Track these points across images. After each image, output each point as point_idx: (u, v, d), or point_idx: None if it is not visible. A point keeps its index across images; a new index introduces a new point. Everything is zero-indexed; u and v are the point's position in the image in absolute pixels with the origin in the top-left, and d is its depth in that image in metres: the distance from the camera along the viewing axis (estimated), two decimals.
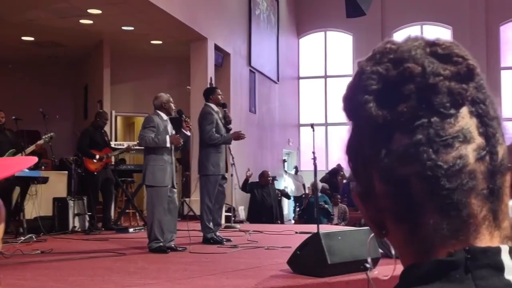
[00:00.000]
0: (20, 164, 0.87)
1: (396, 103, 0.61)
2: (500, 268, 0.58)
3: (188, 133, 6.78)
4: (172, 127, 6.74)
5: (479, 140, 0.60)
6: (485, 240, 0.60)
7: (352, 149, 0.67)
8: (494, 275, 0.58)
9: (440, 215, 0.60)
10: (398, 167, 0.61)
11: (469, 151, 0.60)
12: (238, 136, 7.33)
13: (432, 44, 0.64)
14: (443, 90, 0.61)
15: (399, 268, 0.67)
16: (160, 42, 12.58)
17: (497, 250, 0.59)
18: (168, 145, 6.34)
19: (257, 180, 12.75)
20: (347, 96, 0.67)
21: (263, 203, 11.67)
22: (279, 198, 13.14)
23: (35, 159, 0.89)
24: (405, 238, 0.63)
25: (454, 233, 0.60)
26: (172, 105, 6.70)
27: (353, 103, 0.65)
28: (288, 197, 14.05)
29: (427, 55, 0.63)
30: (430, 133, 0.60)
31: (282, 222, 12.66)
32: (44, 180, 8.40)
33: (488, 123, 0.61)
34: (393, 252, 0.68)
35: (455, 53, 0.63)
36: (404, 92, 0.61)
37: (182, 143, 6.51)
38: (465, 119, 0.61)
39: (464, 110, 0.61)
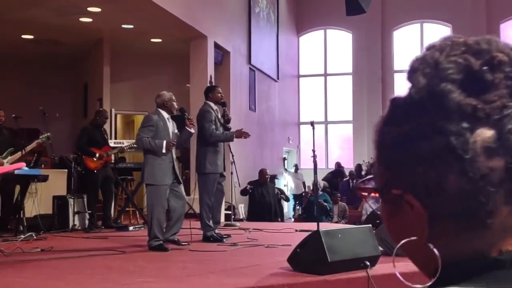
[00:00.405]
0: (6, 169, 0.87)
1: (484, 91, 0.59)
2: None
3: (192, 131, 6.77)
4: (175, 126, 6.72)
5: None
6: None
7: (413, 145, 0.62)
8: None
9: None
10: (485, 159, 0.58)
11: None
12: (241, 134, 7.31)
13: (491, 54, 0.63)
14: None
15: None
16: (159, 40, 12.58)
17: None
18: (164, 151, 6.29)
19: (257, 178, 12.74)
20: (426, 86, 0.63)
21: (263, 201, 11.66)
22: (280, 197, 13.11)
23: (22, 165, 0.89)
24: (456, 237, 0.60)
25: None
26: (174, 103, 6.68)
27: (434, 93, 0.61)
28: (287, 199, 14.00)
29: (506, 47, 0.63)
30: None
31: (283, 220, 12.65)
32: (44, 178, 8.40)
33: None
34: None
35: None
36: (493, 81, 0.60)
37: (174, 145, 6.45)
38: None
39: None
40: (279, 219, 11.77)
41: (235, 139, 7.52)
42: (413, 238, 0.64)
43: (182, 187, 6.63)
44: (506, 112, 0.58)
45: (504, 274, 0.57)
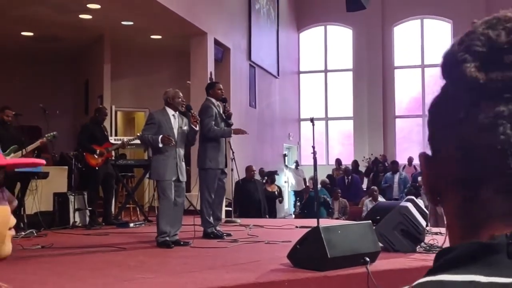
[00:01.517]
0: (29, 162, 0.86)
1: (494, 69, 0.59)
2: None
3: (196, 128, 6.77)
4: (186, 122, 6.71)
5: None
6: None
7: (437, 108, 0.65)
8: None
9: (498, 193, 0.59)
10: (476, 134, 0.59)
11: None
12: (239, 131, 7.39)
13: None
14: None
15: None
16: (160, 37, 12.58)
17: None
18: (160, 145, 6.33)
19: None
20: (448, 52, 0.64)
21: (250, 198, 11.61)
22: (275, 196, 13.10)
23: (42, 162, 0.90)
24: (459, 208, 0.62)
25: (506, 216, 0.58)
26: (179, 100, 6.67)
27: (452, 60, 0.63)
28: (280, 201, 13.90)
29: None
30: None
31: (274, 217, 12.58)
32: (45, 175, 8.41)
33: None
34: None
35: None
36: (506, 61, 0.59)
37: (174, 142, 6.46)
38: None
39: None
40: (267, 216, 11.70)
41: (235, 136, 7.55)
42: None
43: (183, 186, 6.63)
44: (506, 95, 0.58)
45: (496, 259, 0.57)
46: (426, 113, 0.68)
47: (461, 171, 0.61)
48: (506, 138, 0.57)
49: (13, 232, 0.84)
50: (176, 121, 6.59)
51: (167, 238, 6.25)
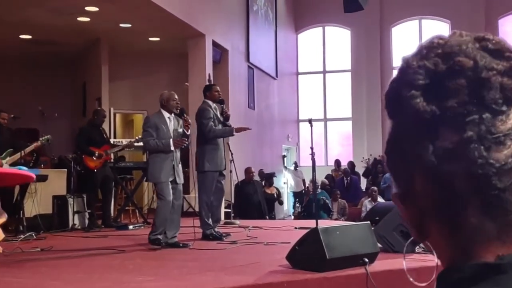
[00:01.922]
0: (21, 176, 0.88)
1: (446, 98, 0.59)
2: None
3: (188, 132, 6.78)
4: (181, 123, 6.72)
5: None
6: None
7: (394, 147, 0.64)
8: None
9: (485, 215, 0.58)
10: (444, 164, 0.58)
11: None
12: (241, 129, 7.47)
13: (482, 39, 0.62)
14: (496, 85, 0.58)
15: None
16: (158, 39, 12.57)
17: None
18: (172, 148, 6.36)
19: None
20: (390, 92, 0.64)
21: (250, 199, 11.61)
22: (275, 198, 13.09)
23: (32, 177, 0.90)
24: (446, 240, 0.61)
25: (497, 235, 0.58)
26: (173, 102, 6.66)
27: (398, 98, 0.62)
28: (280, 203, 13.91)
29: (478, 49, 0.60)
30: (481, 129, 0.57)
31: (272, 219, 12.57)
32: (44, 178, 8.40)
33: None
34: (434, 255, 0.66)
35: (507, 48, 0.61)
36: (454, 87, 0.59)
37: (186, 143, 6.51)
38: None
39: None
40: (267, 217, 11.70)
41: (233, 137, 7.56)
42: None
43: (180, 189, 6.63)
44: (469, 119, 0.58)
45: (505, 279, 0.56)
46: None
47: (438, 203, 0.60)
48: (484, 160, 0.57)
49: None
50: (171, 123, 6.61)
51: (159, 237, 6.26)
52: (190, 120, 6.89)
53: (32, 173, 0.93)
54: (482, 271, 0.57)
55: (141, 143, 8.66)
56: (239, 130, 7.39)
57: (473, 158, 0.57)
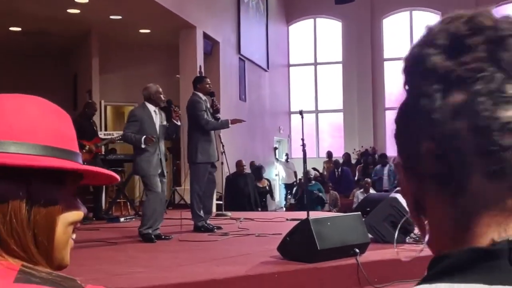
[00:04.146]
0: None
1: (461, 54, 0.59)
2: None
3: (178, 123, 6.79)
4: (164, 117, 6.73)
5: None
6: None
7: (404, 113, 0.64)
8: None
9: (487, 177, 0.56)
10: (451, 120, 0.57)
11: None
12: (236, 121, 7.49)
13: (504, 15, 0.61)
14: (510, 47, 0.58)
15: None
16: (148, 30, 12.52)
17: None
18: (143, 146, 6.32)
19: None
20: (410, 54, 0.63)
21: (241, 192, 11.64)
22: (266, 191, 13.12)
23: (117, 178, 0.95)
24: (444, 211, 0.59)
25: (498, 202, 0.56)
26: (161, 96, 6.67)
27: (416, 58, 0.62)
28: (271, 197, 13.97)
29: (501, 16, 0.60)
30: (491, 86, 0.56)
31: (264, 210, 12.62)
32: None
33: None
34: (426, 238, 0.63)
35: None
36: (471, 44, 0.58)
37: (154, 140, 6.44)
38: None
39: None
40: (259, 209, 11.73)
41: (225, 129, 7.57)
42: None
43: (165, 182, 6.64)
44: (480, 75, 0.57)
45: (498, 265, 0.54)
46: None
47: (442, 166, 0.58)
48: (489, 113, 0.56)
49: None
50: (157, 117, 6.60)
51: (150, 231, 6.26)
52: (180, 111, 6.89)
53: (116, 175, 0.96)
54: (473, 257, 0.56)
55: None
56: (234, 122, 7.40)
57: (479, 110, 0.56)
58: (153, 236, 6.23)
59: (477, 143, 0.56)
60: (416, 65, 0.62)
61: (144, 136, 6.32)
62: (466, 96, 0.57)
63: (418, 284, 0.57)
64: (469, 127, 0.56)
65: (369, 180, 13.31)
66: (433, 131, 0.59)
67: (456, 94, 0.58)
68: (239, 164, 11.87)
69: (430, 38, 0.61)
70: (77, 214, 0.89)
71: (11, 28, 12.02)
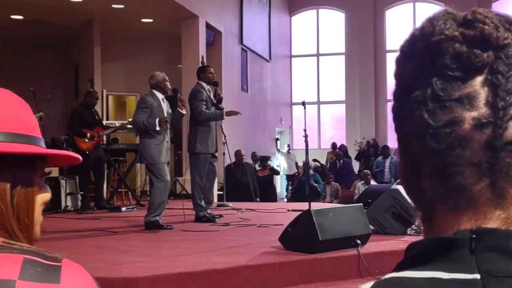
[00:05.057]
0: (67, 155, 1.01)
1: (409, 60, 0.62)
2: (507, 252, 0.55)
3: (184, 112, 6.80)
4: (169, 106, 6.73)
5: (483, 109, 0.57)
6: (480, 216, 0.58)
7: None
8: (500, 259, 0.55)
9: (431, 179, 0.59)
10: (403, 125, 0.62)
11: (467, 117, 0.57)
12: (231, 112, 7.46)
13: (471, 11, 0.62)
14: (449, 51, 0.58)
15: None
16: (151, 20, 12.48)
17: (506, 234, 0.56)
18: (158, 128, 6.33)
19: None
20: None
21: (239, 182, 11.65)
22: (270, 177, 13.14)
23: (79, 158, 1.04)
24: (417, 203, 0.63)
25: (446, 202, 0.59)
26: (168, 84, 6.69)
27: (395, 63, 0.66)
28: (277, 172, 14.03)
29: (451, 19, 0.61)
30: (427, 92, 0.58)
31: (268, 201, 12.64)
32: None
33: (501, 95, 0.57)
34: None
35: (480, 20, 0.59)
36: (415, 50, 0.61)
37: (168, 122, 6.47)
38: (475, 87, 0.58)
39: (478, 78, 0.58)
40: (258, 199, 11.75)
41: (227, 120, 7.56)
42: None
43: (168, 170, 6.66)
44: (419, 82, 0.60)
45: (458, 254, 0.56)
46: None
47: (404, 165, 0.63)
48: (421, 120, 0.58)
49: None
50: (164, 105, 6.60)
51: (158, 218, 6.27)
52: (184, 100, 6.90)
53: (78, 155, 1.05)
54: (438, 246, 0.57)
55: (129, 126, 8.68)
56: (229, 114, 7.40)
57: (414, 117, 0.59)
58: (160, 224, 6.24)
59: (418, 147, 0.60)
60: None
61: (158, 119, 6.33)
62: (409, 102, 0.60)
63: (391, 272, 0.60)
64: (411, 133, 0.60)
65: (369, 171, 13.30)
66: (397, 134, 0.64)
67: (407, 100, 0.61)
68: (238, 154, 11.87)
69: (403, 43, 0.65)
70: (48, 196, 0.98)
71: (13, 17, 11.99)
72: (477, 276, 0.54)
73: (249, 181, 11.78)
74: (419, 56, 0.61)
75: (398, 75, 0.64)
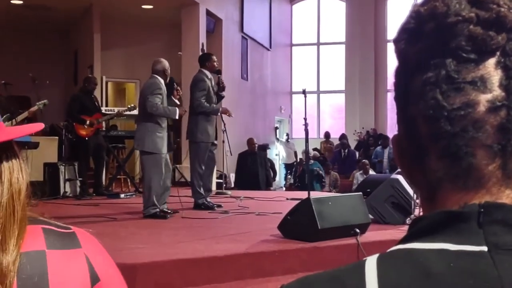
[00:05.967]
0: (24, 129, 0.94)
1: (418, 41, 0.61)
2: None
3: (178, 102, 6.77)
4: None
5: (497, 92, 0.57)
6: (490, 195, 0.58)
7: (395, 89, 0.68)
8: (508, 233, 0.55)
9: (442, 160, 0.59)
10: (409, 106, 0.61)
11: (481, 100, 0.57)
12: (226, 111, 7.46)
13: None
14: (464, 32, 0.58)
15: None
16: (151, 6, 12.42)
17: None
18: (177, 117, 6.34)
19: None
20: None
21: (251, 170, 11.69)
22: (269, 168, 13.18)
23: (41, 125, 0.97)
24: (419, 184, 0.63)
25: (455, 182, 0.59)
26: (169, 71, 6.69)
27: (394, 40, 0.66)
28: (274, 175, 14.05)
29: None
30: (441, 73, 0.58)
31: (269, 188, 12.72)
32: (35, 145, 8.35)
33: None
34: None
35: (494, 1, 0.59)
36: (425, 30, 0.60)
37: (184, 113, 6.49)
38: (488, 69, 0.58)
39: (491, 60, 0.58)
40: (269, 188, 11.83)
41: (228, 107, 7.57)
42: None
43: (168, 158, 6.63)
44: (432, 62, 0.59)
45: (466, 227, 0.56)
46: None
47: (408, 146, 0.63)
48: (435, 102, 0.58)
49: None
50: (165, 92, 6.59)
51: (158, 210, 6.25)
52: (181, 91, 6.89)
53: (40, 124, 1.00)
54: (446, 219, 0.58)
55: (133, 112, 8.60)
56: (224, 111, 7.44)
57: (427, 99, 0.59)
58: (162, 213, 6.22)
59: (428, 129, 0.59)
60: (394, 49, 0.66)
61: (178, 108, 6.34)
62: (420, 83, 0.60)
63: (396, 244, 0.60)
64: (422, 115, 0.60)
65: (367, 161, 13.32)
66: (400, 115, 0.64)
67: (415, 81, 0.61)
68: (250, 142, 11.89)
69: (405, 21, 0.64)
70: None
71: (13, 1, 11.93)
72: (485, 248, 0.55)
73: (260, 169, 11.82)
74: (430, 36, 0.60)
75: (402, 54, 0.63)
